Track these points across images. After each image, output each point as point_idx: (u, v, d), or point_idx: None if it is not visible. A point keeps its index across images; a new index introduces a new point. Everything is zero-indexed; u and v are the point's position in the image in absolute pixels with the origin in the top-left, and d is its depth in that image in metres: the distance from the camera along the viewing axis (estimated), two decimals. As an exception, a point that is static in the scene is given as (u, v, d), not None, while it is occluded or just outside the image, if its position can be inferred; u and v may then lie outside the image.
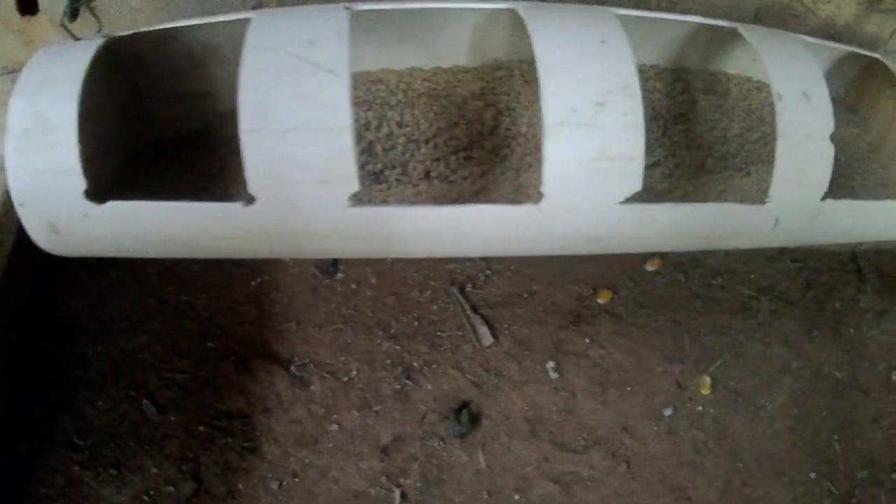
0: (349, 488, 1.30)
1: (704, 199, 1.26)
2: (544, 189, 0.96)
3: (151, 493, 1.26)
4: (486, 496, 1.29)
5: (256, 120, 0.90)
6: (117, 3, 1.21)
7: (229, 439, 1.33)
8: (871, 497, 1.51)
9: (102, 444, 1.30)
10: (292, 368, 1.38)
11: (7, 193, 0.94)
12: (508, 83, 1.34)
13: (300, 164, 0.91)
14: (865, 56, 1.36)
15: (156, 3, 1.24)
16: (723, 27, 1.19)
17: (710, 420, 1.44)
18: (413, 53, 1.30)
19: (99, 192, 0.96)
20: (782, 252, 1.70)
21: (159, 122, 1.26)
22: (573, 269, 1.51)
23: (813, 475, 1.48)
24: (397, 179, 1.20)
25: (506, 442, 1.33)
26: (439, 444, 1.32)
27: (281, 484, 1.30)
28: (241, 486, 1.30)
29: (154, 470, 1.28)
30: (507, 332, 1.42)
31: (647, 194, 1.20)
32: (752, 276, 1.61)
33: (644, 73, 1.38)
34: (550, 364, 1.40)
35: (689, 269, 1.58)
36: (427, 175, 1.21)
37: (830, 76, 1.42)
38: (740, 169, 1.36)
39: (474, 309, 1.43)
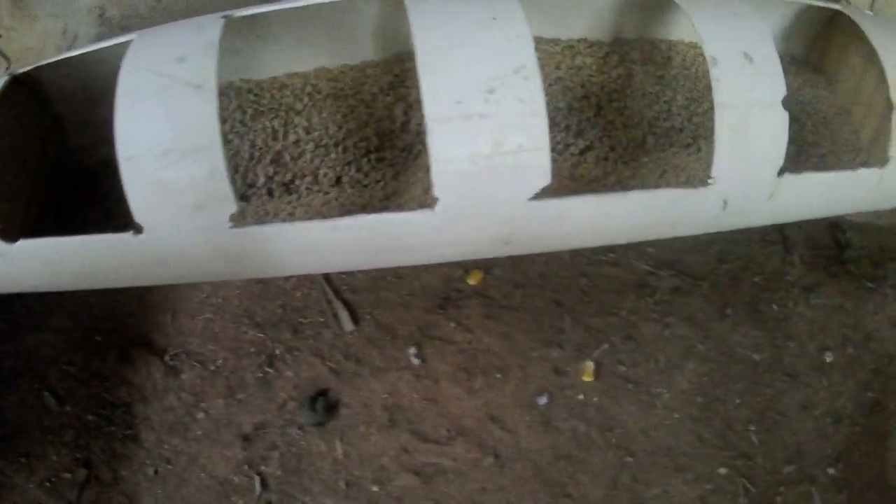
0: (215, 475, 1.34)
1: (643, 183, 1.15)
2: (436, 193, 0.89)
3: (53, 479, 1.34)
4: (343, 486, 1.30)
5: (131, 146, 0.89)
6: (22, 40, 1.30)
7: (113, 428, 1.41)
8: (801, 495, 1.39)
9: (14, 435, 1.41)
10: (166, 358, 1.44)
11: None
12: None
13: (175, 188, 0.89)
14: (826, 9, 1.21)
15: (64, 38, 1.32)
16: None
17: (593, 410, 1.35)
18: (318, 54, 1.25)
19: (19, 227, 1.01)
20: None
21: (82, 149, 1.32)
22: None
23: (724, 471, 1.37)
24: (307, 188, 1.17)
25: (364, 431, 1.32)
26: (298, 433, 1.33)
27: (156, 471, 1.37)
28: (124, 472, 1.38)
29: (54, 458, 1.36)
30: (369, 317, 1.40)
31: (575, 183, 1.15)
32: (651, 250, 1.49)
33: (572, 48, 1.28)
34: (412, 350, 1.36)
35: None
36: (338, 181, 1.17)
37: (790, 34, 1.29)
38: (688, 145, 1.26)
39: (337, 294, 1.42)
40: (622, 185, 1.17)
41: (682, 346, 1.43)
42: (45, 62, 1.09)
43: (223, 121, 1.12)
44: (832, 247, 1.68)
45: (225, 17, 0.98)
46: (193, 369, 1.42)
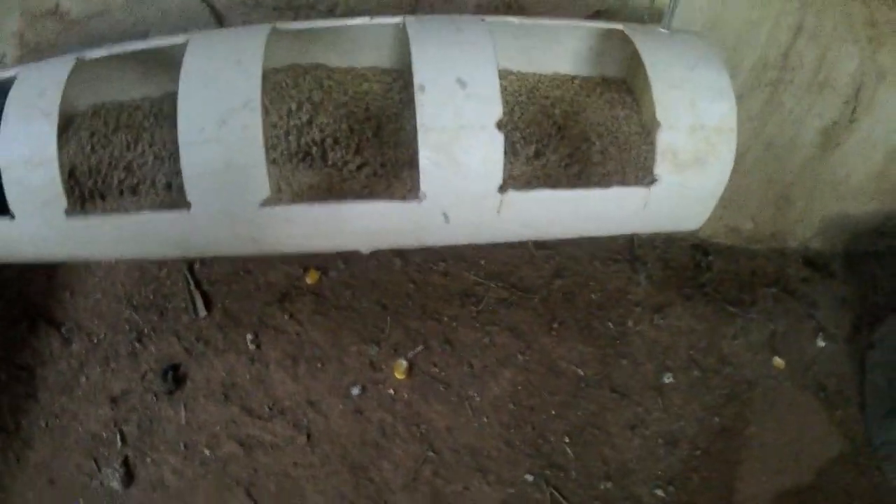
0: (89, 430, 1.73)
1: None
2: (189, 198, 1.18)
3: None
4: (182, 448, 1.66)
5: (5, 156, 1.22)
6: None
7: (19, 386, 1.83)
8: None
9: None
10: (63, 330, 1.86)
11: None
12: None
13: (31, 188, 1.23)
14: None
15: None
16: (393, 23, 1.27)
17: (401, 405, 1.63)
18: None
19: None
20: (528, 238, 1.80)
21: None
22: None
23: (530, 478, 1.59)
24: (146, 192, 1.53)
25: (203, 402, 1.67)
26: (153, 399, 1.71)
27: (47, 423, 1.78)
28: (23, 423, 1.80)
29: None
30: (220, 305, 1.74)
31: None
32: (483, 262, 1.74)
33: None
34: (250, 336, 1.69)
35: (410, 255, 1.74)
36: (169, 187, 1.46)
37: (600, 55, 1.46)
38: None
39: (197, 284, 1.77)
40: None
41: (500, 355, 1.67)
42: None
43: (91, 135, 1.51)
44: (690, 268, 1.85)
45: (78, 58, 1.36)
46: (81, 341, 1.83)
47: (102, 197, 1.53)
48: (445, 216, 1.19)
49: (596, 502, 1.58)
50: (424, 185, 1.14)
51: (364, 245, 1.34)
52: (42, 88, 1.27)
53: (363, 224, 1.23)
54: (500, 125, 1.12)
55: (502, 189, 1.17)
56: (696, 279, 1.83)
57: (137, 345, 1.77)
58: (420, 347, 1.66)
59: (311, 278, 1.73)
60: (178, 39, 1.31)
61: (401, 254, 1.77)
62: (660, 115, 1.20)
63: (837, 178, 1.71)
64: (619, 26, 1.31)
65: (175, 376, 1.70)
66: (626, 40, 1.28)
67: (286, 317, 1.71)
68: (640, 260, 1.81)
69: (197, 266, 1.81)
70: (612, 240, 1.81)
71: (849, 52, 1.46)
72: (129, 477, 1.63)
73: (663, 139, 1.19)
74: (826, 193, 1.76)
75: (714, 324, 1.80)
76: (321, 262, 1.76)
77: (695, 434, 1.67)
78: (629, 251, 1.81)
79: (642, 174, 1.31)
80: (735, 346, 1.79)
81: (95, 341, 1.81)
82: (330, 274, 1.74)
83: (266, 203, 1.17)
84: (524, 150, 1.40)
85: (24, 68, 1.39)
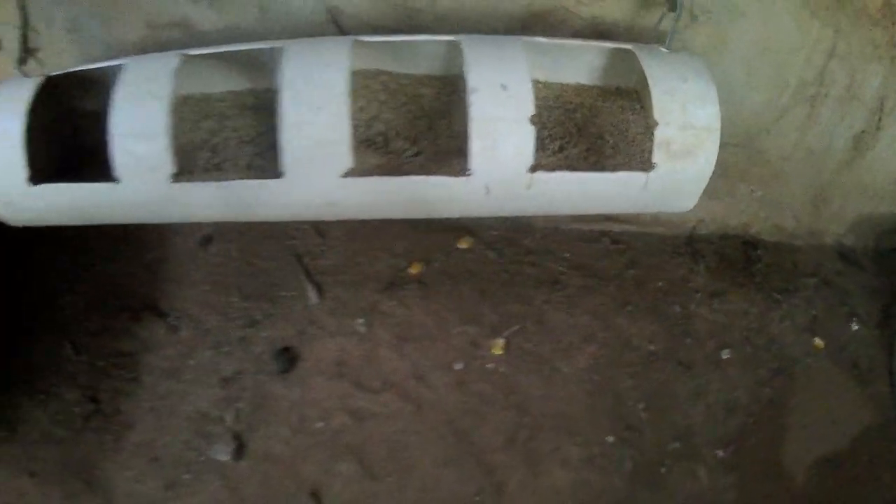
0: (198, 409, 1.91)
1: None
2: (284, 168, 1.43)
3: (64, 412, 1.79)
4: (295, 421, 1.84)
5: (120, 127, 1.44)
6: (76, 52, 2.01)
7: (121, 371, 1.96)
8: (685, 469, 1.84)
9: (36, 376, 1.85)
10: (169, 319, 2.05)
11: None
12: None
13: (138, 156, 1.49)
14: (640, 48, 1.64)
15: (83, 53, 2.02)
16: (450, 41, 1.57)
17: (499, 377, 1.87)
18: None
19: (38, 178, 1.59)
20: (604, 234, 2.10)
21: (81, 132, 2.02)
22: (393, 245, 2.01)
23: (611, 438, 1.85)
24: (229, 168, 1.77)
25: (316, 380, 1.87)
26: (265, 378, 1.90)
27: (152, 406, 1.93)
28: (124, 407, 1.84)
29: (68, 396, 1.80)
30: (330, 294, 1.95)
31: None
32: (567, 255, 2.02)
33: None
34: (360, 320, 1.91)
35: (503, 248, 2.01)
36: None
37: (613, 69, 1.75)
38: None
39: (308, 274, 2.00)
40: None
41: (583, 333, 1.93)
42: (68, 70, 1.67)
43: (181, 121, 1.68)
44: (742, 261, 2.16)
45: (184, 54, 1.55)
46: (189, 328, 2.02)
47: (190, 173, 1.76)
48: (487, 189, 1.47)
49: (667, 460, 1.82)
50: (472, 164, 1.43)
51: (421, 213, 1.59)
52: (152, 75, 1.48)
53: (423, 194, 1.50)
54: (532, 120, 1.43)
55: (532, 170, 1.46)
56: (747, 270, 2.13)
57: (249, 330, 1.97)
58: (515, 327, 1.91)
59: (414, 269, 1.98)
60: (275, 44, 1.57)
61: (495, 248, 2.03)
62: (657, 115, 1.49)
63: (867, 180, 2.03)
64: (629, 46, 1.61)
65: (288, 357, 1.90)
66: (634, 58, 1.58)
67: (393, 303, 1.94)
68: (699, 253, 2.11)
69: (306, 259, 2.04)
70: (676, 237, 2.10)
71: (874, 70, 1.78)
72: (239, 450, 1.80)
73: (659, 134, 1.49)
74: (857, 195, 2.06)
75: (763, 308, 2.09)
76: (424, 255, 2.01)
77: (748, 403, 1.93)
78: (689, 246, 2.11)
79: (642, 166, 1.60)
80: (781, 327, 2.08)
81: (205, 328, 2.00)
82: (432, 265, 1.99)
83: (347, 174, 1.43)
84: (551, 145, 1.70)
85: (131, 59, 1.59)
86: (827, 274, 2.17)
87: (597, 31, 1.75)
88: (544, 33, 1.74)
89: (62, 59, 1.82)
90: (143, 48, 1.84)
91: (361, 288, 1.98)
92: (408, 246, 2.03)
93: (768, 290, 2.11)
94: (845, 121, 1.90)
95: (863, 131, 1.92)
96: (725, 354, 1.99)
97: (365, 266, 2.01)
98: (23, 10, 1.71)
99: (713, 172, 1.55)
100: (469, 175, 1.44)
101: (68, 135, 1.84)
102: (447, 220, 2.10)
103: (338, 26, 1.79)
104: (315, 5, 1.76)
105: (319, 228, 2.09)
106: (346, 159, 1.42)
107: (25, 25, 1.76)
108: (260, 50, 1.62)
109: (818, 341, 2.06)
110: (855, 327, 2.11)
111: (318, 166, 1.43)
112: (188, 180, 1.51)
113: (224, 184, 1.47)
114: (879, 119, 1.88)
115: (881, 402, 1.97)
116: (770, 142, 1.94)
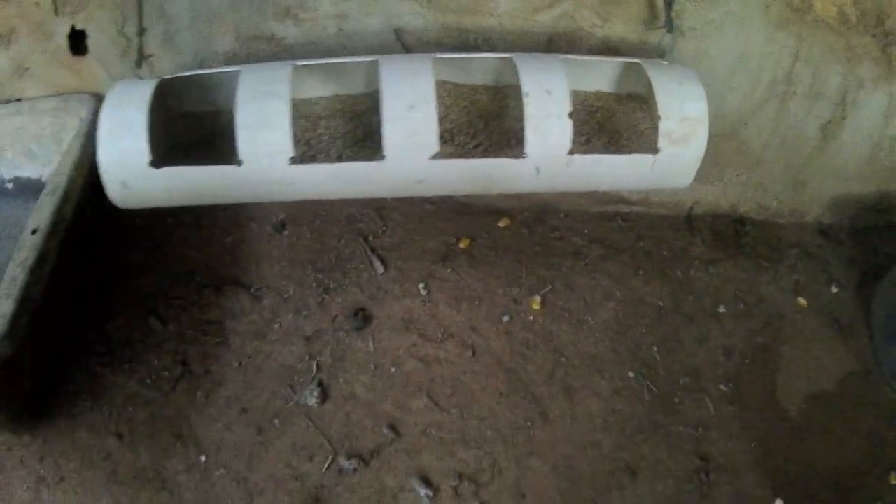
0: (284, 364, 2.26)
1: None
2: (385, 152, 1.86)
3: (153, 377, 1.93)
4: (372, 368, 2.23)
5: (244, 119, 1.82)
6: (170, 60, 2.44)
7: (208, 337, 2.04)
8: (695, 399, 2.25)
9: (118, 348, 1.99)
10: (252, 290, 2.42)
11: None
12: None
13: (260, 140, 1.86)
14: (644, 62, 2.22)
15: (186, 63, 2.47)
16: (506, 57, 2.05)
17: (539, 326, 2.30)
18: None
19: (154, 164, 1.93)
20: (616, 214, 2.56)
21: (178, 131, 2.43)
22: (444, 226, 2.47)
23: (632, 374, 2.26)
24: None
25: (387, 334, 2.26)
26: (344, 335, 2.29)
27: (240, 363, 2.04)
28: (213, 367, 2.02)
29: (155, 362, 1.95)
30: (393, 265, 2.38)
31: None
32: (587, 231, 2.48)
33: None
34: (421, 286, 2.33)
35: (534, 226, 2.47)
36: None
37: (625, 79, 2.26)
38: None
39: (373, 251, 2.43)
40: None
41: (604, 293, 2.37)
42: (179, 74, 2.02)
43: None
44: (732, 236, 2.62)
45: (295, 64, 1.98)
46: (271, 297, 2.37)
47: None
48: (538, 169, 1.92)
49: (679, 392, 2.20)
50: (527, 149, 1.88)
51: (487, 188, 2.03)
52: (271, 79, 1.87)
53: (490, 173, 1.93)
54: (570, 115, 1.89)
55: (570, 153, 1.91)
56: (738, 243, 2.57)
57: (325, 296, 2.38)
58: (548, 287, 2.35)
59: (463, 244, 2.42)
60: (369, 58, 2.01)
61: (528, 226, 2.47)
62: (660, 111, 1.93)
63: (838, 164, 2.43)
64: (637, 60, 2.09)
65: (363, 316, 2.32)
66: (642, 69, 2.04)
67: (448, 271, 2.37)
68: (696, 229, 2.56)
69: (371, 238, 2.48)
70: (676, 216, 2.55)
71: (834, 69, 2.22)
72: (323, 395, 2.17)
73: (662, 125, 1.94)
74: (832, 177, 2.46)
75: (752, 273, 2.52)
76: (470, 233, 2.45)
77: (743, 348, 2.31)
78: (687, 223, 2.57)
79: (652, 149, 2.04)
80: (769, 288, 2.50)
81: (286, 296, 2.38)
82: (477, 241, 2.42)
83: (434, 157, 1.86)
84: (580, 138, 2.18)
85: (245, 68, 1.96)
86: (809, 247, 2.61)
87: (607, 47, 2.25)
88: (566, 50, 2.23)
89: (158, 65, 2.17)
90: (230, 58, 2.22)
91: (420, 260, 2.41)
92: (456, 226, 2.47)
93: (756, 259, 2.56)
94: (812, 113, 2.38)
95: (829, 122, 2.39)
96: (721, 309, 2.42)
97: (421, 243, 2.44)
98: (140, 19, 2.05)
99: (704, 159, 2.01)
100: (525, 157, 1.91)
101: (165, 133, 2.15)
102: (488, 205, 2.56)
103: (402, 43, 2.26)
104: (382, 25, 2.22)
105: (381, 213, 2.53)
106: (433, 145, 1.86)
107: (142, 33, 2.12)
108: (351, 63, 2.08)
109: (802, 301, 2.47)
110: (835, 290, 2.51)
111: (411, 151, 1.86)
112: (308, 162, 1.94)
113: (336, 165, 1.91)
114: (843, 110, 2.36)
115: (862, 353, 2.35)
116: (750, 132, 2.41)
